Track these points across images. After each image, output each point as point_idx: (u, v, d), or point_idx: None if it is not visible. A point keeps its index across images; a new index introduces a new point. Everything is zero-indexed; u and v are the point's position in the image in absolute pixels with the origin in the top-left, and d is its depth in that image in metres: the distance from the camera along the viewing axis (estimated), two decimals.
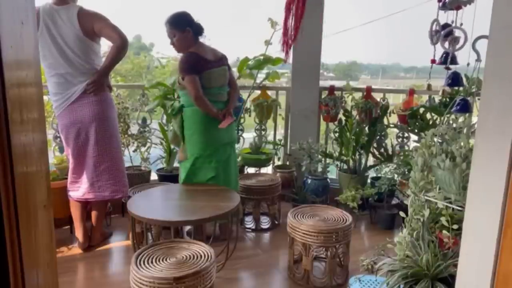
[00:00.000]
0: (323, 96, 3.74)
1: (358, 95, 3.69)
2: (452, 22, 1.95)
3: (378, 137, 3.60)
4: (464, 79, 2.02)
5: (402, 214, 1.99)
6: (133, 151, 3.54)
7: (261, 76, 3.76)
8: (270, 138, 3.97)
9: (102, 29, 2.50)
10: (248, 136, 3.92)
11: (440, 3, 1.95)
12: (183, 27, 2.59)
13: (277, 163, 3.99)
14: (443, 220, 1.75)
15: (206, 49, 2.67)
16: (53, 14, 2.48)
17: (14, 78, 0.91)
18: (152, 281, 1.70)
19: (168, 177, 3.44)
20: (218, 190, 2.61)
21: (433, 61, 2.03)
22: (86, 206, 2.77)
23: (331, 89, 3.75)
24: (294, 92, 3.72)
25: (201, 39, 2.71)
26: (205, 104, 2.60)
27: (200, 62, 2.59)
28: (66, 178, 2.76)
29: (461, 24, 1.92)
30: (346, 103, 3.74)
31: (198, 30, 2.66)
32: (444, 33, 1.93)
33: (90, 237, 2.80)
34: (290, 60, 3.67)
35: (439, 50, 2.01)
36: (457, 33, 1.93)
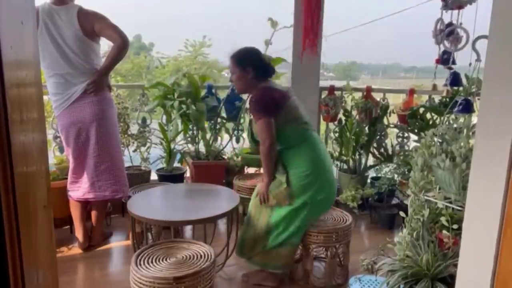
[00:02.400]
0: (323, 96, 3.73)
1: (358, 95, 3.69)
2: (453, 21, 1.95)
3: (378, 137, 3.60)
4: (464, 79, 2.02)
5: (402, 214, 1.99)
6: (133, 151, 3.54)
7: None
8: None
9: (102, 29, 2.49)
10: None
11: (443, 2, 1.95)
12: (244, 65, 2.29)
13: None
14: (443, 220, 1.75)
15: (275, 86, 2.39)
16: (53, 14, 2.48)
17: (14, 78, 0.91)
18: (152, 281, 1.70)
19: (168, 177, 3.44)
20: (218, 190, 2.61)
21: (437, 61, 2.03)
22: (86, 206, 2.77)
23: (331, 89, 3.75)
24: (294, 92, 3.71)
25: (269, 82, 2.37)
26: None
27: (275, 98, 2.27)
28: (66, 178, 2.76)
29: (461, 24, 1.92)
30: (346, 103, 3.74)
31: (263, 71, 2.33)
32: (447, 32, 1.93)
33: (90, 237, 2.80)
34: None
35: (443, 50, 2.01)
36: (459, 32, 1.93)
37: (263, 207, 2.29)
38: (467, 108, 1.84)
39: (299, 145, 2.27)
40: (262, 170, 2.32)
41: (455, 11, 1.95)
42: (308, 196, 2.22)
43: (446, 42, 1.95)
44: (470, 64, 1.81)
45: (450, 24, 1.96)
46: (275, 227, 2.26)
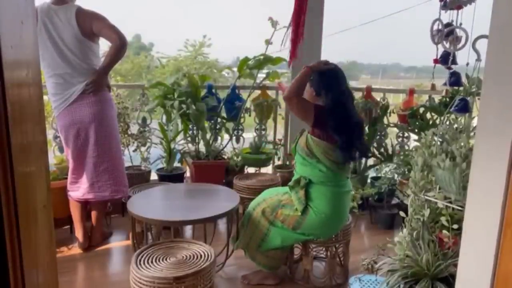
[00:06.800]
0: None
1: (358, 95, 3.69)
2: (452, 21, 1.95)
3: (378, 137, 3.60)
4: (464, 79, 2.02)
5: (402, 214, 2.00)
6: (133, 151, 3.54)
7: (261, 76, 3.76)
8: (270, 138, 3.96)
9: (101, 29, 2.49)
10: (248, 136, 3.92)
11: (442, 3, 1.95)
12: (311, 83, 2.20)
13: (277, 162, 3.98)
14: (443, 220, 1.75)
15: None
16: (51, 14, 2.48)
17: (14, 78, 0.91)
18: (152, 281, 1.70)
19: (168, 177, 3.44)
20: (218, 190, 2.61)
21: (435, 61, 2.03)
22: (86, 206, 2.77)
23: None
24: None
25: None
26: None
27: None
28: (66, 178, 2.75)
29: (461, 24, 1.92)
30: None
31: (331, 99, 2.13)
32: (446, 33, 1.93)
33: (90, 237, 2.80)
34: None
35: (442, 50, 2.01)
36: (458, 32, 1.93)
37: (263, 217, 2.26)
38: (465, 108, 1.84)
39: (328, 186, 2.16)
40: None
41: (454, 11, 1.95)
42: (314, 234, 2.22)
43: (445, 42, 1.95)
44: (467, 64, 1.81)
45: (449, 24, 1.96)
46: (270, 242, 2.25)
